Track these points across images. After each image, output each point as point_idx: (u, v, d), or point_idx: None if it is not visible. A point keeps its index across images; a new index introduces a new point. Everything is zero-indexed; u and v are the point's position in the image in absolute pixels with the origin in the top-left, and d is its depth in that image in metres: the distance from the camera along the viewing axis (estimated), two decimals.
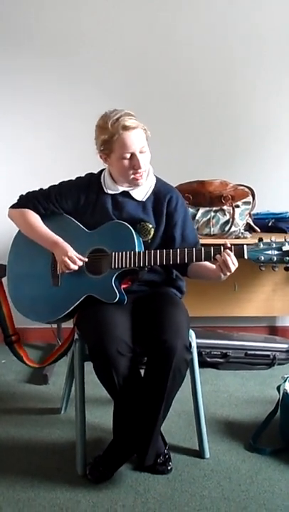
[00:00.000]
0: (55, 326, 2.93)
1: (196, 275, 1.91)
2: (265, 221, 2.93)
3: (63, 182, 1.99)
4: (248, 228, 2.78)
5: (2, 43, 3.02)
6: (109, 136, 1.80)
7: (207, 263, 1.81)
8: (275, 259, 1.69)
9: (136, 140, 1.79)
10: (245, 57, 3.06)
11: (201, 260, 1.76)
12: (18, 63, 3.03)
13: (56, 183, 1.99)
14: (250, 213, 2.76)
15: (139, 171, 1.83)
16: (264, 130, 3.11)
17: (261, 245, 1.71)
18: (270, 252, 1.69)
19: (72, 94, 3.06)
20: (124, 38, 3.02)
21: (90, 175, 1.98)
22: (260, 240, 1.72)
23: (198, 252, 1.75)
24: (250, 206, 2.74)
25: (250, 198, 2.73)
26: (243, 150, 3.11)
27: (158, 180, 1.96)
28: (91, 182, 1.95)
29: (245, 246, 1.71)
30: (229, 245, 1.71)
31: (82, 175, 1.99)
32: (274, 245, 1.70)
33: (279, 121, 3.11)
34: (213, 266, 1.77)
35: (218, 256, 1.71)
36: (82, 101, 3.04)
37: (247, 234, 2.74)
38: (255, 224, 2.81)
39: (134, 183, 1.88)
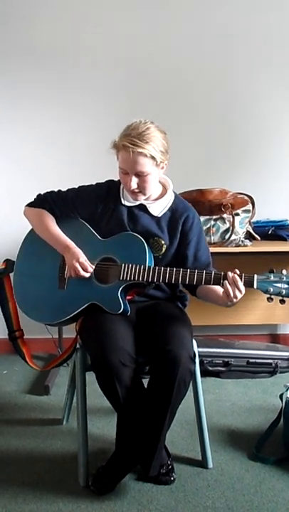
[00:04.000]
0: (56, 336, 2.93)
1: (204, 297, 1.90)
2: (265, 229, 2.94)
3: (82, 186, 1.97)
4: (248, 236, 2.79)
5: (3, 56, 3.04)
6: (114, 145, 1.81)
7: (216, 287, 1.79)
8: (284, 292, 1.68)
9: (132, 163, 1.76)
10: (247, 65, 3.07)
11: (210, 284, 1.74)
12: (18, 75, 3.05)
13: (75, 187, 1.98)
14: (250, 221, 2.77)
15: (130, 190, 1.83)
16: (264, 137, 3.12)
17: (272, 277, 1.70)
18: (279, 285, 1.69)
19: (72, 106, 3.06)
20: (124, 49, 3.03)
21: (110, 182, 1.97)
22: (272, 271, 1.71)
23: (208, 275, 1.74)
24: (250, 214, 2.74)
25: (249, 206, 2.74)
26: (242, 158, 3.12)
27: (176, 197, 1.95)
28: (110, 190, 1.93)
29: (255, 276, 1.70)
30: (239, 272, 1.70)
31: (102, 181, 1.98)
32: (284, 278, 1.69)
33: (279, 129, 3.12)
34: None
35: (225, 282, 1.69)
36: (82, 112, 3.05)
37: (247, 242, 2.74)
38: (255, 232, 2.82)
39: (132, 197, 1.88)
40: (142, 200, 1.88)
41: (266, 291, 1.69)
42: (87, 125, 3.02)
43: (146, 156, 1.75)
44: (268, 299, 1.70)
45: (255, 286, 1.69)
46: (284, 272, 1.70)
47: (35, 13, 3.03)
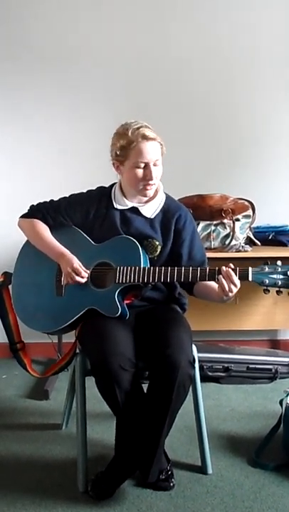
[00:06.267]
0: (55, 340, 2.92)
1: (200, 295, 1.90)
2: (265, 234, 2.94)
3: (73, 194, 2.00)
4: (249, 242, 2.79)
5: (1, 58, 3.05)
6: (127, 142, 1.81)
7: (212, 284, 1.80)
8: (280, 283, 1.68)
9: (152, 151, 1.81)
10: (247, 70, 3.08)
11: (205, 279, 1.75)
12: (18, 77, 3.07)
13: (66, 195, 2.00)
14: (250, 227, 2.77)
15: (150, 182, 1.84)
16: (265, 142, 3.13)
17: (266, 269, 1.69)
18: (275, 276, 1.68)
19: (72, 109, 3.08)
20: (124, 52, 3.05)
21: (101, 188, 1.99)
22: (266, 263, 1.71)
23: (203, 271, 1.74)
24: (250, 219, 2.75)
25: (250, 212, 2.75)
26: (243, 163, 3.13)
27: (167, 197, 1.97)
28: (101, 195, 1.95)
29: (250, 268, 1.70)
30: (233, 266, 1.70)
31: (93, 188, 2.00)
32: (279, 269, 1.68)
33: (279, 134, 3.14)
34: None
35: (220, 276, 1.69)
36: (82, 115, 3.06)
37: (247, 247, 2.74)
38: (255, 237, 2.82)
39: (143, 193, 1.88)
40: (150, 195, 1.89)
41: (262, 283, 1.68)
42: (90, 128, 3.03)
43: (159, 143, 1.84)
44: (265, 290, 1.69)
45: (250, 278, 1.69)
46: (279, 262, 1.70)
47: (35, 14, 3.04)
